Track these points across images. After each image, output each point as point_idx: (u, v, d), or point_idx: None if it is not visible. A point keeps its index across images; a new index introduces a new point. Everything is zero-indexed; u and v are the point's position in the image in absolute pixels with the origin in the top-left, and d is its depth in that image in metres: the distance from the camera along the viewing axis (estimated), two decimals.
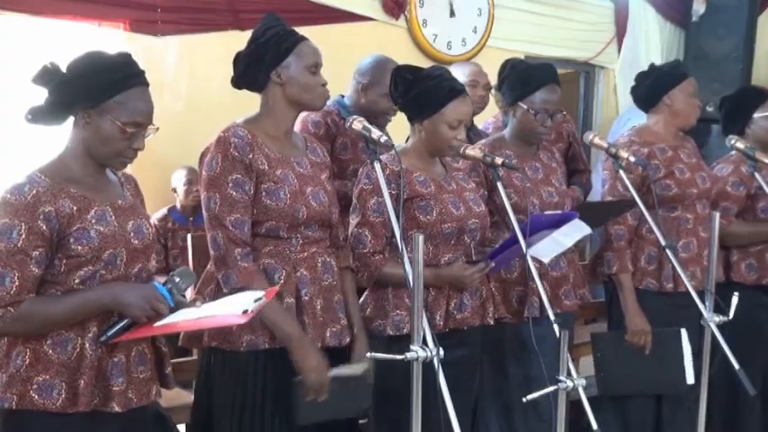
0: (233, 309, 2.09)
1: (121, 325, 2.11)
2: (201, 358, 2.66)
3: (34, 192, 2.04)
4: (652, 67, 3.62)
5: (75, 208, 2.07)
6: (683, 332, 3.27)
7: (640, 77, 3.60)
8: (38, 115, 2.12)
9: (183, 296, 2.22)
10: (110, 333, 2.10)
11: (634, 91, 3.62)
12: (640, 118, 3.73)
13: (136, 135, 2.13)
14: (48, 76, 2.09)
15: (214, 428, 2.58)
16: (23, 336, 2.07)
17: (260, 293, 2.14)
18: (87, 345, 2.09)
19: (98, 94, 2.09)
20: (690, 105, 3.47)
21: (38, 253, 2.04)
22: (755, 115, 3.78)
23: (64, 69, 2.11)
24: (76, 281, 2.09)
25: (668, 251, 3.06)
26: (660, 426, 3.45)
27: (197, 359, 3.34)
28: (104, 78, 2.10)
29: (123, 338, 2.12)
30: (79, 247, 2.06)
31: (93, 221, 2.09)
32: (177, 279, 2.17)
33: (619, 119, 6.70)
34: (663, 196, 3.35)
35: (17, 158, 3.78)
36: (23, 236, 2.02)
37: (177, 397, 3.39)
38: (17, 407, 2.05)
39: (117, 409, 2.11)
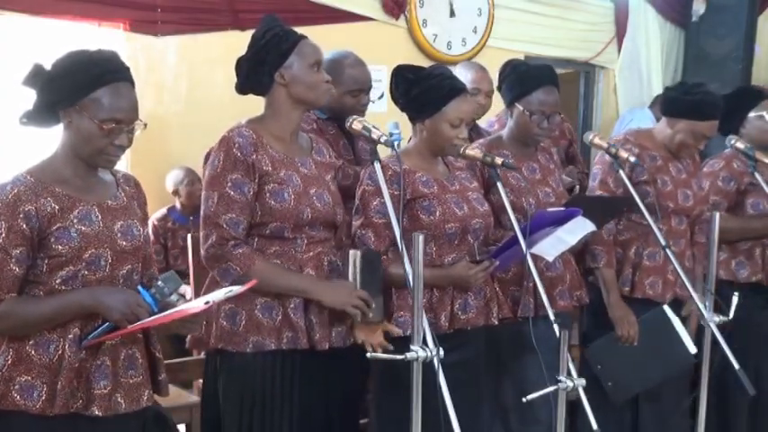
0: (198, 301, 2.10)
1: (103, 328, 2.09)
2: (208, 361, 2.66)
3: (15, 191, 2.03)
4: (695, 84, 3.47)
5: (57, 207, 2.06)
6: (667, 308, 3.25)
7: (679, 86, 3.51)
8: (31, 118, 2.11)
9: (183, 296, 2.22)
10: (91, 337, 2.08)
11: (667, 91, 3.57)
12: (642, 118, 3.72)
13: (116, 132, 2.09)
14: (35, 77, 2.08)
15: (223, 430, 2.58)
16: (3, 335, 2.06)
17: (234, 288, 2.15)
18: (67, 346, 2.07)
19: (75, 93, 2.07)
20: (682, 144, 3.37)
21: (18, 252, 2.02)
22: (750, 115, 3.77)
23: (40, 67, 2.09)
24: (58, 281, 2.07)
25: (668, 251, 3.05)
26: (638, 419, 3.42)
27: (198, 359, 3.35)
28: (80, 76, 2.07)
29: (102, 340, 2.10)
30: (59, 247, 2.04)
31: (76, 221, 2.07)
32: (161, 284, 2.15)
33: (621, 119, 6.70)
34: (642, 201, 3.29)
35: (18, 158, 3.78)
36: (3, 234, 2.01)
37: (177, 397, 3.40)
38: None
39: (97, 412, 2.08)
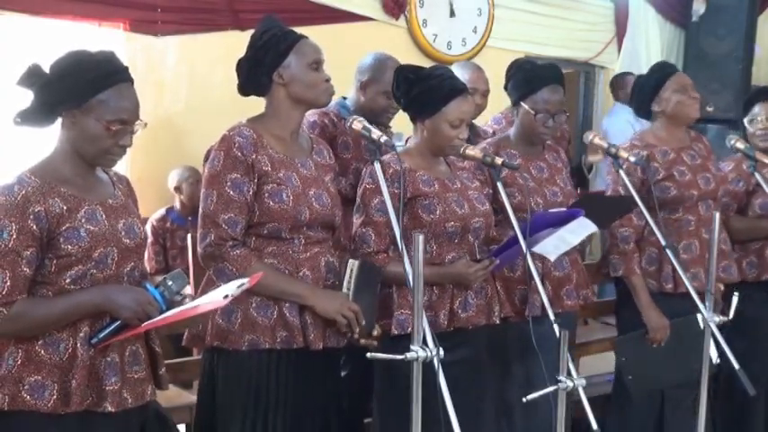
0: (215, 296, 2.11)
1: (113, 327, 2.10)
2: (204, 358, 2.67)
3: (23, 192, 2.03)
4: (637, 78, 3.59)
5: (64, 207, 2.07)
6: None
7: (631, 90, 3.59)
8: (26, 118, 2.12)
9: (181, 295, 2.23)
10: (101, 335, 2.10)
11: (631, 104, 3.62)
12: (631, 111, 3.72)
13: (121, 132, 2.12)
14: (32, 77, 2.08)
15: (217, 428, 2.58)
16: (15, 337, 2.07)
17: (244, 280, 2.15)
18: (79, 345, 2.08)
19: (81, 94, 2.08)
20: (681, 104, 3.41)
21: (29, 253, 2.03)
22: (745, 119, 3.81)
23: (47, 70, 2.10)
24: (67, 280, 2.08)
25: (668, 251, 3.06)
26: (662, 426, 3.44)
27: (198, 359, 3.35)
28: (86, 77, 2.08)
29: (114, 340, 2.11)
30: (69, 247, 2.06)
31: (83, 220, 2.08)
32: (169, 282, 2.17)
33: (609, 113, 6.66)
34: (663, 198, 3.33)
35: (18, 158, 3.78)
36: (14, 236, 2.01)
37: (177, 397, 3.40)
38: (9, 407, 2.05)
39: (110, 408, 2.10)
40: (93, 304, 2.08)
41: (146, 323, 2.10)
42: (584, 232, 2.85)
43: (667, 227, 3.33)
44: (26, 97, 2.11)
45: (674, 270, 3.33)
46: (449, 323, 2.76)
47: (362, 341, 2.56)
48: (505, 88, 3.31)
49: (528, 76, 3.15)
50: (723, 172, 3.68)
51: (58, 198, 2.07)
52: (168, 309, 2.14)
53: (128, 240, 2.16)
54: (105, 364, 2.12)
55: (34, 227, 2.03)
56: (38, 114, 2.11)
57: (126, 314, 2.08)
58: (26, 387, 2.05)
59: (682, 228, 3.36)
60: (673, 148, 3.44)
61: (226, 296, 2.06)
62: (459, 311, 2.79)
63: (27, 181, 2.06)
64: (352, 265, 2.57)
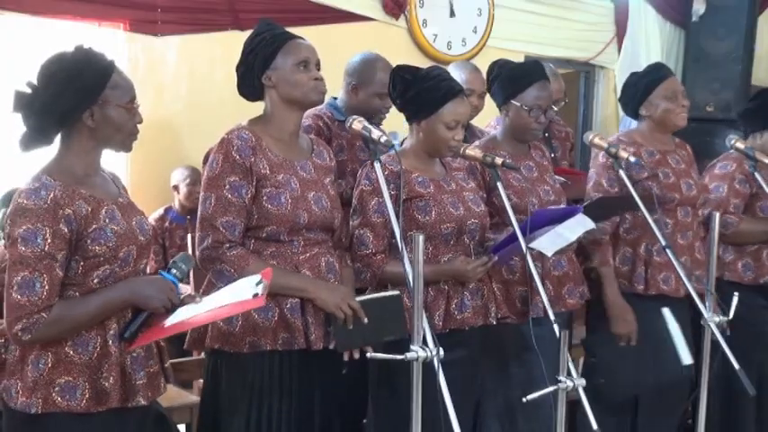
0: (242, 296, 2.12)
1: (141, 318, 2.15)
2: (206, 361, 2.67)
3: (52, 195, 2.04)
4: (630, 76, 3.55)
5: (89, 209, 2.09)
6: (666, 311, 3.21)
7: (623, 88, 3.55)
8: (32, 140, 2.11)
9: (181, 294, 2.25)
10: (133, 328, 2.14)
11: (620, 101, 3.60)
12: None
13: (136, 109, 2.19)
14: (26, 99, 2.09)
15: (220, 430, 2.58)
16: (52, 340, 2.07)
17: (257, 277, 2.17)
18: (111, 342, 2.11)
19: (93, 91, 2.11)
20: (668, 111, 3.37)
21: (61, 256, 2.05)
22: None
23: (33, 88, 2.09)
24: (95, 281, 2.11)
25: (668, 251, 3.04)
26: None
27: (198, 359, 3.35)
28: (90, 74, 2.11)
29: (145, 340, 2.15)
30: (97, 248, 2.08)
31: (107, 221, 2.12)
32: (181, 264, 2.24)
33: (623, 120, 6.68)
34: (642, 197, 3.28)
35: (18, 158, 3.77)
36: (48, 240, 2.02)
37: (177, 397, 3.40)
38: (42, 410, 2.06)
39: (143, 402, 2.15)
40: (122, 299, 2.12)
41: (170, 325, 2.12)
42: (581, 229, 2.85)
43: (644, 226, 3.30)
44: (21, 123, 2.10)
45: (646, 271, 3.31)
46: (444, 324, 2.75)
47: (344, 354, 2.54)
48: (488, 90, 3.30)
49: (514, 75, 3.14)
50: (717, 170, 3.65)
51: (81, 200, 2.09)
52: (179, 297, 2.19)
53: (142, 238, 2.21)
54: (132, 360, 2.16)
55: (65, 230, 2.05)
56: (43, 132, 2.11)
57: (154, 304, 2.13)
58: (57, 389, 2.07)
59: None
60: (658, 149, 3.42)
61: (256, 294, 2.08)
62: (456, 313, 2.78)
63: (51, 184, 2.06)
64: (390, 293, 2.59)
